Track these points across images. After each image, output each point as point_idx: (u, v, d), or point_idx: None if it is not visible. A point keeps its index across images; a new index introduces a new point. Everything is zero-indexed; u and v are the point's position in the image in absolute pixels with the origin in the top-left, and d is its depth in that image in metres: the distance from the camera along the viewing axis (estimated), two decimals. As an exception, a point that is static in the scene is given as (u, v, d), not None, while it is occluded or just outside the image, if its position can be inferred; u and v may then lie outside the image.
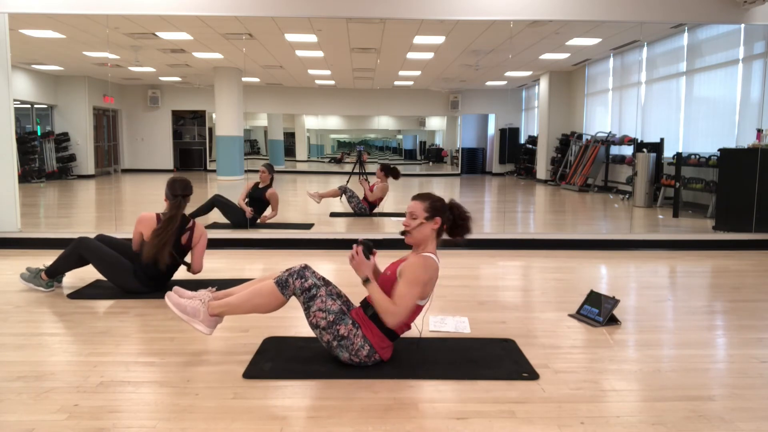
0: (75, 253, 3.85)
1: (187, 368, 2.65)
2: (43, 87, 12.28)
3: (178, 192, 3.81)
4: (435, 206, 2.70)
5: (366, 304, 2.68)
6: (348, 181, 8.64)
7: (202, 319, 2.66)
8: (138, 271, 3.80)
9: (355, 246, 2.64)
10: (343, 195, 7.88)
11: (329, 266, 5.02)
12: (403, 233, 2.72)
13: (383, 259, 2.92)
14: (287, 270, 2.66)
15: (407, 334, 2.94)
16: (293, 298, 2.65)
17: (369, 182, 8.27)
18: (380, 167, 8.11)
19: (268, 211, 6.70)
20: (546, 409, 2.29)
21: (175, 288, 2.80)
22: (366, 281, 2.60)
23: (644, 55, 9.96)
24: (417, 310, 2.67)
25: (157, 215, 3.82)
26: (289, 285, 2.60)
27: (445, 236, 2.78)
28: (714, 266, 5.23)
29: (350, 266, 2.66)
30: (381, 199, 7.98)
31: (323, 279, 2.72)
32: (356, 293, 2.88)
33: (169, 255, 3.80)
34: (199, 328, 2.66)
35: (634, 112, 10.54)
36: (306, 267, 2.66)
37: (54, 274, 3.94)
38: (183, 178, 3.88)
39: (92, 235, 3.98)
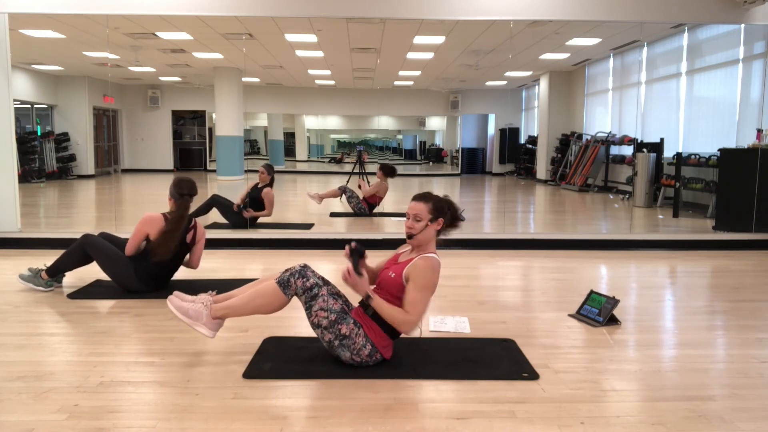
0: (79, 250, 3.84)
1: (187, 368, 2.65)
2: (43, 87, 12.27)
3: (185, 191, 3.83)
4: (437, 207, 2.71)
5: (365, 304, 2.68)
6: (348, 181, 8.65)
7: (205, 322, 2.64)
8: (140, 271, 3.80)
9: (347, 266, 2.54)
10: (343, 195, 7.89)
11: (329, 266, 5.02)
12: (410, 237, 2.70)
13: (381, 259, 2.92)
14: (287, 270, 2.66)
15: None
16: (295, 298, 2.65)
17: (368, 183, 8.28)
18: (380, 167, 8.13)
19: (264, 211, 6.64)
20: (546, 409, 2.29)
21: (176, 293, 2.78)
22: (368, 299, 2.58)
23: (644, 55, 9.96)
24: None
25: (164, 215, 3.81)
26: (291, 285, 2.59)
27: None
28: (714, 266, 5.22)
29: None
30: (381, 198, 7.98)
31: (323, 278, 2.73)
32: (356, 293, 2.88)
33: (174, 253, 3.84)
34: (202, 332, 2.65)
35: (634, 112, 10.54)
36: (306, 266, 2.66)
37: (55, 272, 3.93)
38: (188, 178, 3.89)
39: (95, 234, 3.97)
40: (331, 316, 2.57)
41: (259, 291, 2.64)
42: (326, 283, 2.72)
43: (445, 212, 2.73)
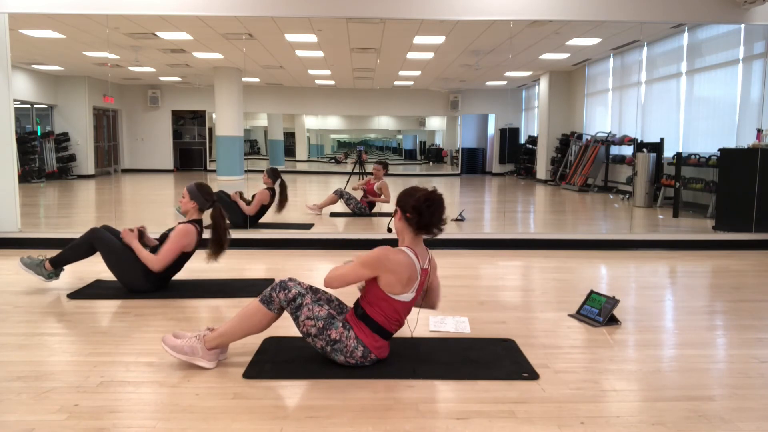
0: (87, 243, 3.83)
1: (187, 368, 2.65)
2: (43, 87, 12.27)
3: (212, 198, 3.89)
4: (398, 199, 2.69)
5: (357, 304, 2.68)
6: (347, 183, 8.65)
7: (202, 355, 2.64)
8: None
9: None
10: (340, 199, 7.89)
11: (329, 266, 5.01)
12: (389, 230, 2.77)
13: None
14: (270, 285, 2.66)
15: (404, 333, 2.94)
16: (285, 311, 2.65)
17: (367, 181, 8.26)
18: (378, 167, 8.11)
19: (248, 206, 6.56)
20: (546, 409, 2.29)
21: (166, 335, 2.73)
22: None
23: (644, 55, 9.96)
24: (399, 306, 2.62)
25: (194, 225, 3.83)
26: (274, 299, 2.60)
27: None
28: (714, 266, 5.22)
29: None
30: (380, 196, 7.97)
31: (310, 287, 2.72)
32: (351, 294, 2.88)
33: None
34: (202, 364, 2.64)
35: (634, 112, 10.54)
36: (289, 279, 2.66)
37: (60, 263, 3.92)
38: (205, 183, 3.92)
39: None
40: (319, 323, 2.57)
41: (246, 312, 2.66)
42: (314, 291, 2.71)
43: (403, 203, 2.64)
